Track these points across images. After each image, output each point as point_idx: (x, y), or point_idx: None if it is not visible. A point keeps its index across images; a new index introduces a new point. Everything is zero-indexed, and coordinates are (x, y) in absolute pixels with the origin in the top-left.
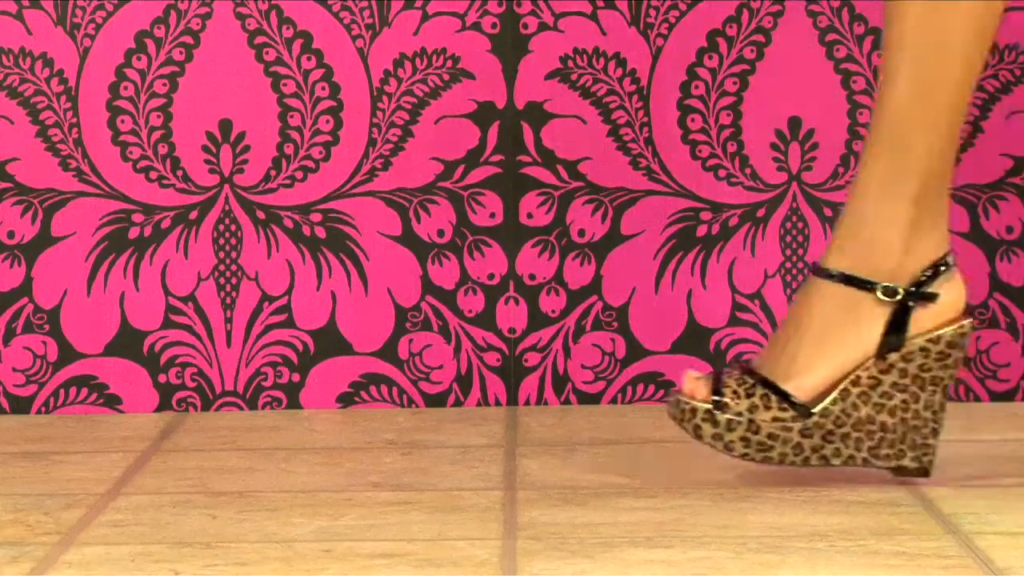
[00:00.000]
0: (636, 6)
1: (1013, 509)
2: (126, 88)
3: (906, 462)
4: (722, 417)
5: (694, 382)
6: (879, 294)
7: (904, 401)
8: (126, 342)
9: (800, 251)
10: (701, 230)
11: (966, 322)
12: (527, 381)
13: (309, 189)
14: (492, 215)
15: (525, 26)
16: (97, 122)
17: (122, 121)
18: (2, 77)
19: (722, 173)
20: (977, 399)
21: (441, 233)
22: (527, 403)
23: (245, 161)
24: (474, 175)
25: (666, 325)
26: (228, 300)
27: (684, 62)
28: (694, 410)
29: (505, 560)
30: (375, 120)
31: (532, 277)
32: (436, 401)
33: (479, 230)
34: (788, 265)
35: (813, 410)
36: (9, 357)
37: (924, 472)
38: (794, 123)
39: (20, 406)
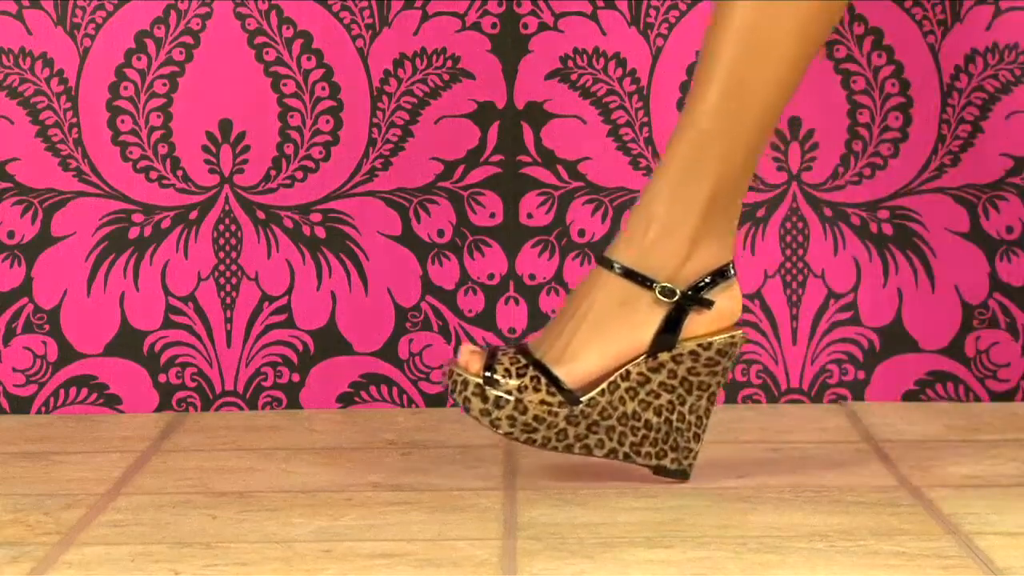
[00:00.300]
0: (636, 6)
1: (1013, 509)
2: (126, 88)
3: (666, 463)
4: (491, 393)
5: (469, 354)
6: (657, 293)
7: (670, 402)
8: (126, 342)
9: (800, 251)
10: None
11: (738, 332)
12: None
13: (309, 189)
14: (492, 215)
15: (525, 26)
16: (97, 122)
17: (122, 121)
18: (2, 77)
19: None
20: (977, 399)
21: (441, 233)
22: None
23: (245, 161)
24: (474, 175)
25: None
26: (228, 300)
27: (684, 62)
28: (465, 382)
29: (505, 560)
30: (375, 120)
31: (532, 277)
32: (436, 401)
33: (479, 230)
34: (788, 265)
35: (581, 399)
36: (9, 357)
37: (684, 475)
38: (794, 123)
39: (20, 406)
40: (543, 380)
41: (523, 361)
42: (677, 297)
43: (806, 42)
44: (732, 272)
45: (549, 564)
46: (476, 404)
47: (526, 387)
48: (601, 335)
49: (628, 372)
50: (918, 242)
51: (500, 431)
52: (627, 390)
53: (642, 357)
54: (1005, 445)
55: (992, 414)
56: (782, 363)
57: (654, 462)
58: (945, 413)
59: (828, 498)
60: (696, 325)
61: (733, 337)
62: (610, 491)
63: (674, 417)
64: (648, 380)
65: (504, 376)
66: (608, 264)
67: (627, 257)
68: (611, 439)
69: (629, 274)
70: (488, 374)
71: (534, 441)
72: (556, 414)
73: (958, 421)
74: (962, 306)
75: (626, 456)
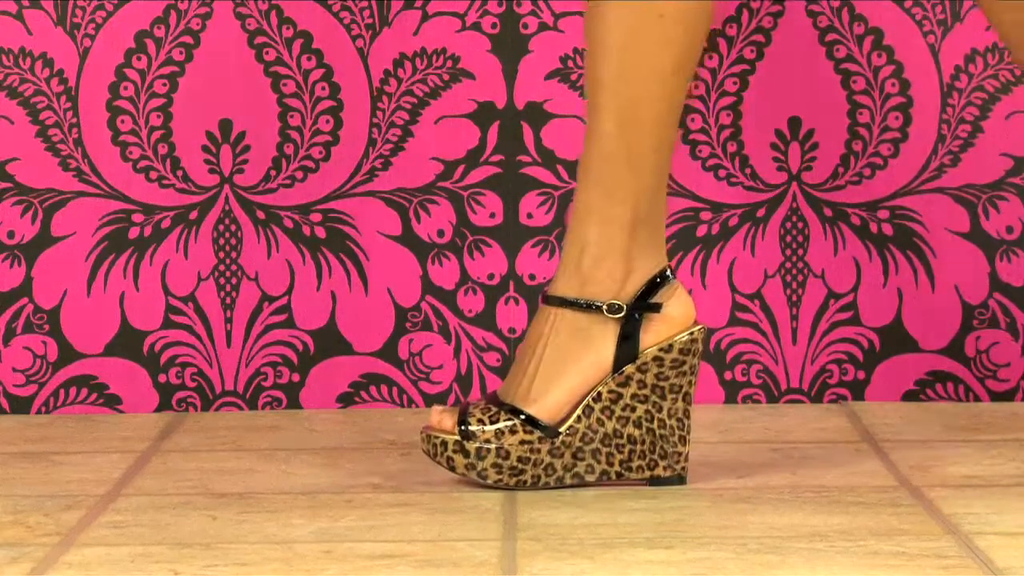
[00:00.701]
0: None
1: (1013, 509)
2: (126, 88)
3: (659, 472)
4: (471, 446)
5: (439, 415)
6: (605, 312)
7: (647, 412)
8: (126, 342)
9: (800, 251)
10: (701, 230)
11: (696, 328)
12: None
13: (309, 189)
14: (492, 215)
15: (525, 26)
16: (97, 122)
17: (122, 121)
18: (2, 77)
19: (722, 173)
20: (977, 399)
21: (441, 233)
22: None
23: (245, 161)
24: (474, 175)
25: None
26: (228, 300)
27: None
28: (444, 443)
29: (505, 561)
30: (375, 120)
31: (532, 277)
32: (436, 401)
33: (479, 230)
34: (788, 265)
35: (559, 429)
36: (9, 357)
37: (680, 479)
38: (794, 123)
39: (20, 406)
40: (518, 422)
41: (494, 408)
42: (624, 311)
43: (675, 50)
44: (671, 275)
45: (549, 565)
46: (459, 461)
47: (503, 432)
48: (563, 367)
49: (599, 393)
50: (918, 242)
51: (489, 481)
52: (602, 410)
53: (608, 376)
54: (1005, 445)
55: (992, 414)
56: (782, 363)
57: (647, 474)
58: (945, 413)
59: (828, 498)
60: (652, 333)
61: (692, 334)
62: (610, 492)
63: (655, 426)
64: (620, 396)
65: (479, 426)
66: (556, 301)
67: (569, 288)
68: (599, 462)
69: (574, 304)
70: (463, 428)
71: (524, 483)
72: (539, 450)
73: (958, 421)
74: (962, 306)
75: (619, 475)
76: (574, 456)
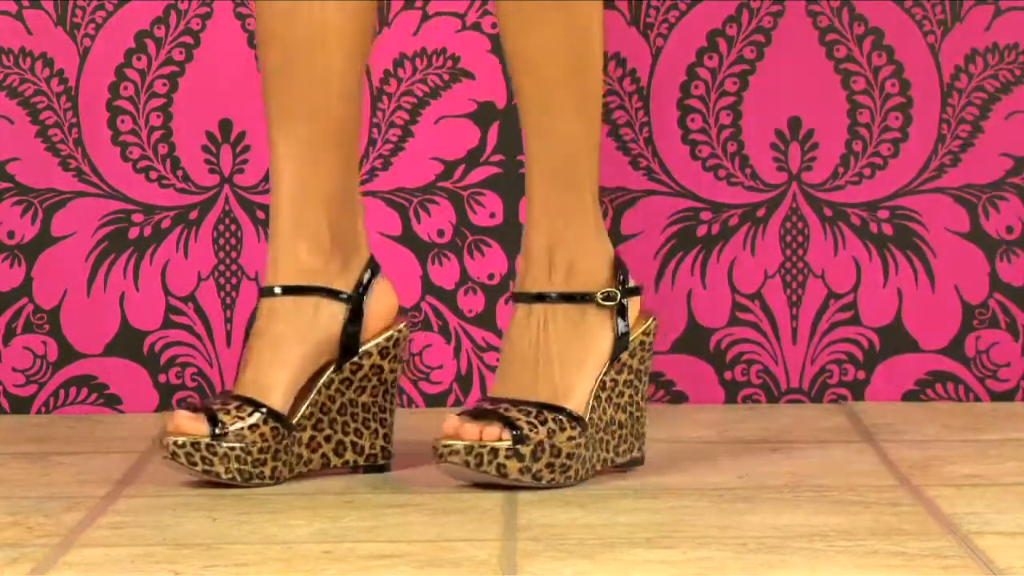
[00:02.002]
0: (636, 6)
1: (1013, 509)
2: (126, 88)
3: (636, 453)
4: (526, 449)
5: (470, 425)
6: (601, 302)
7: (631, 396)
8: (126, 342)
9: (800, 251)
10: (701, 230)
11: (651, 316)
12: None
13: None
14: (492, 215)
15: None
16: (97, 122)
17: (122, 121)
18: (2, 77)
19: (722, 173)
20: (977, 399)
21: (441, 233)
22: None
23: (245, 161)
24: (474, 175)
25: (665, 325)
26: (228, 300)
27: (684, 62)
28: (494, 451)
29: (505, 561)
30: (375, 120)
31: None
32: (436, 401)
33: (479, 230)
34: (788, 265)
35: (585, 420)
36: (9, 357)
37: (640, 460)
38: (794, 123)
39: (20, 406)
40: (564, 418)
41: (531, 409)
42: (618, 298)
43: (595, 35)
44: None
45: (549, 565)
46: (513, 466)
47: (554, 430)
48: (577, 362)
49: (604, 383)
50: (918, 242)
51: (543, 482)
52: (605, 400)
53: (607, 364)
54: (1005, 445)
55: (992, 414)
56: (782, 363)
57: (628, 457)
58: (945, 413)
59: (828, 498)
60: (632, 318)
61: (654, 318)
62: (610, 492)
63: (634, 409)
64: (616, 383)
65: (531, 429)
66: (545, 298)
67: (553, 284)
68: (603, 450)
69: (570, 298)
70: (515, 432)
71: (569, 479)
72: (580, 444)
73: (958, 421)
74: (962, 306)
75: (612, 461)
76: (593, 448)
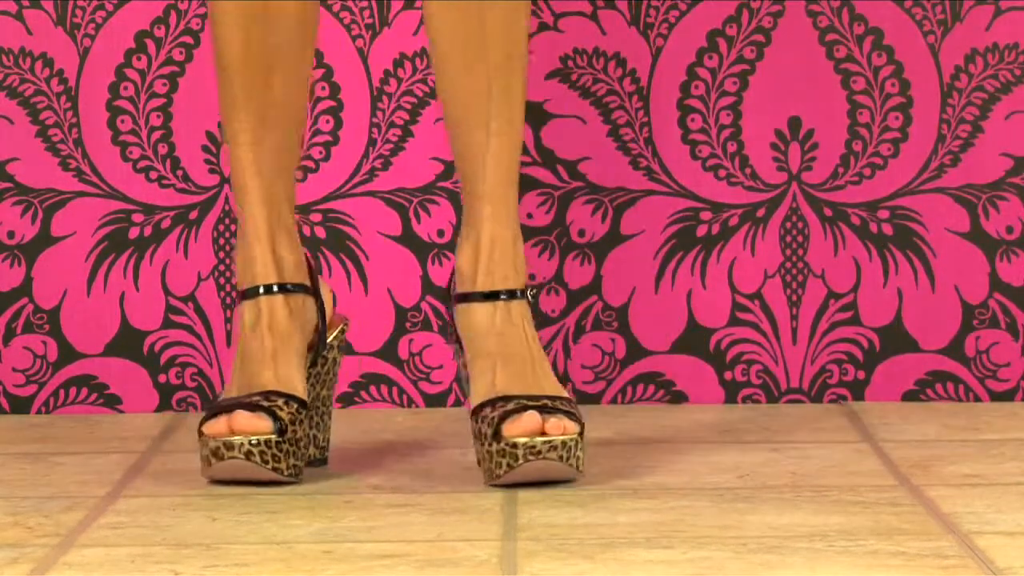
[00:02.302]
0: (636, 6)
1: (1013, 509)
2: (126, 88)
3: None
4: (583, 440)
5: (541, 418)
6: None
7: None
8: (126, 342)
9: (800, 251)
10: (701, 230)
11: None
12: None
13: (309, 189)
14: None
15: None
16: (97, 122)
17: (122, 121)
18: (2, 77)
19: (722, 173)
20: (977, 399)
21: (441, 233)
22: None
23: None
24: None
25: (666, 325)
26: (228, 300)
27: (684, 62)
28: (576, 441)
29: (505, 561)
30: (375, 120)
31: (532, 277)
32: (436, 401)
33: None
34: (788, 265)
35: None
36: (9, 357)
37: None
38: (794, 123)
39: (20, 406)
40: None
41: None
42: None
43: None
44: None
45: (549, 565)
46: (582, 456)
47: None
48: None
49: None
50: (918, 242)
51: (583, 470)
52: None
53: None
54: (1005, 445)
55: (992, 414)
56: (782, 363)
57: None
58: (945, 413)
59: (828, 498)
60: None
61: None
62: (610, 492)
63: None
64: None
65: (575, 420)
66: (521, 294)
67: (514, 282)
68: None
69: (524, 293)
70: (581, 424)
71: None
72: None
73: (958, 421)
74: (962, 306)
75: None
76: None
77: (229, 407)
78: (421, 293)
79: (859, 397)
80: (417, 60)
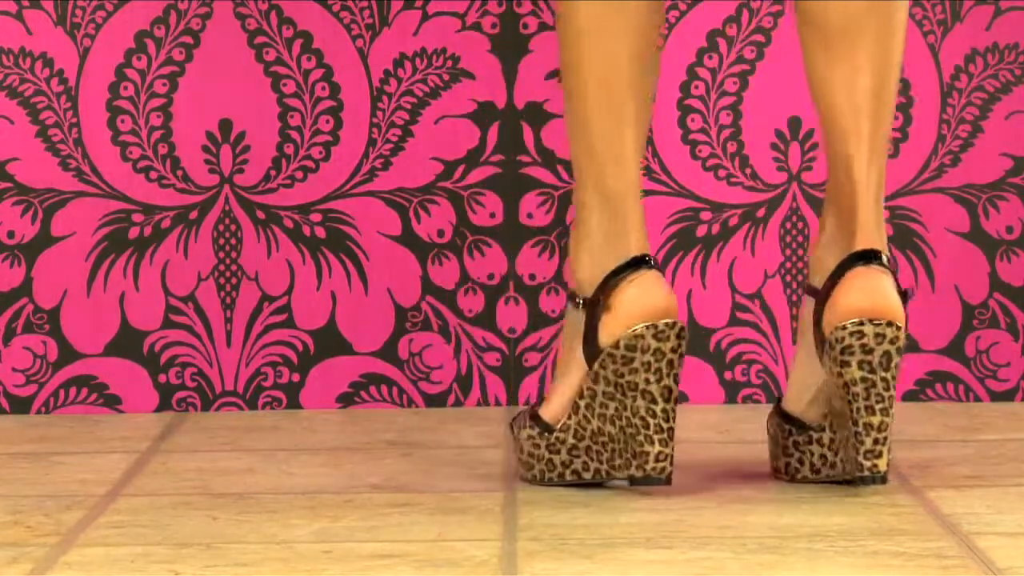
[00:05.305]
0: None
1: (1013, 509)
2: (126, 88)
3: (633, 471)
4: (518, 443)
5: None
6: (580, 307)
7: (616, 409)
8: (126, 342)
9: (800, 251)
10: (701, 230)
11: (639, 326)
12: (527, 381)
13: (309, 189)
14: (492, 215)
15: (525, 26)
16: (97, 122)
17: (122, 121)
18: (2, 77)
19: (722, 173)
20: (977, 399)
21: (441, 233)
22: (527, 403)
23: (245, 161)
24: (474, 175)
25: None
26: (228, 300)
27: (684, 62)
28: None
29: (505, 561)
30: (375, 120)
31: (532, 277)
32: (436, 401)
33: (479, 230)
34: (788, 265)
35: (555, 426)
36: (9, 357)
37: (660, 480)
38: (794, 123)
39: (20, 406)
40: (527, 416)
41: (528, 407)
42: (581, 304)
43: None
44: (636, 267)
45: (549, 565)
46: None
47: (521, 426)
48: (566, 365)
49: (582, 389)
50: (918, 242)
51: (525, 476)
52: (586, 407)
53: (586, 372)
54: (1005, 445)
55: (992, 414)
56: (782, 363)
57: (624, 473)
58: (945, 413)
59: (828, 498)
60: (611, 328)
61: (636, 330)
62: (610, 492)
63: (624, 423)
64: (595, 393)
65: (518, 425)
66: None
67: (572, 283)
68: (592, 459)
69: (570, 298)
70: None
71: (535, 477)
72: (539, 445)
73: (958, 421)
74: (962, 306)
75: (607, 473)
76: (570, 453)
77: None
78: (421, 293)
79: None
80: (417, 60)
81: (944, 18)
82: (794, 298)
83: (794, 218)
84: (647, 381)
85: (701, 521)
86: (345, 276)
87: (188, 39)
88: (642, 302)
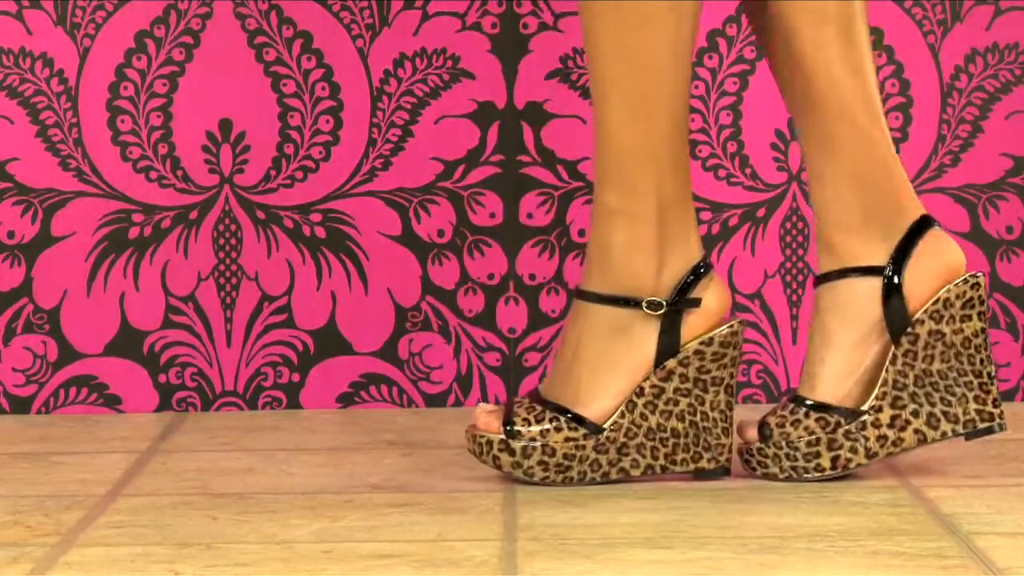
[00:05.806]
0: None
1: (1013, 509)
2: (126, 88)
3: (704, 464)
4: (516, 445)
5: (486, 415)
6: (645, 309)
7: (690, 405)
8: (126, 342)
9: (800, 251)
10: (701, 230)
11: (735, 322)
12: (527, 381)
13: (309, 189)
14: (492, 215)
15: (525, 26)
16: (97, 122)
17: (122, 121)
18: (2, 77)
19: (722, 173)
20: None
21: (441, 233)
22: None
23: (245, 161)
24: (474, 175)
25: None
26: (228, 300)
27: None
28: (489, 442)
29: (505, 561)
30: (375, 120)
31: (532, 277)
32: (436, 401)
33: (479, 230)
34: (788, 265)
35: (604, 425)
36: (9, 357)
37: (725, 471)
38: (794, 123)
39: (20, 406)
40: (563, 419)
41: (539, 408)
42: (665, 307)
43: (671, 35)
44: (707, 267)
45: (549, 565)
46: (505, 459)
47: (548, 430)
48: (608, 369)
49: (642, 388)
50: None
51: (536, 479)
52: (645, 405)
53: (651, 371)
54: (1005, 445)
55: None
56: (782, 363)
57: (692, 466)
58: None
59: (828, 498)
60: (691, 327)
61: (732, 326)
62: (610, 492)
63: (698, 419)
64: (663, 391)
65: (524, 425)
66: (593, 297)
67: (604, 285)
68: (643, 456)
69: (613, 300)
70: (508, 428)
71: (571, 479)
72: (584, 447)
73: None
74: None
75: (663, 468)
76: (619, 451)
77: None
78: (421, 293)
79: None
80: (417, 60)
81: (944, 18)
82: (794, 298)
83: (794, 218)
84: (731, 376)
85: (701, 521)
86: (345, 276)
87: (188, 39)
88: (722, 301)
